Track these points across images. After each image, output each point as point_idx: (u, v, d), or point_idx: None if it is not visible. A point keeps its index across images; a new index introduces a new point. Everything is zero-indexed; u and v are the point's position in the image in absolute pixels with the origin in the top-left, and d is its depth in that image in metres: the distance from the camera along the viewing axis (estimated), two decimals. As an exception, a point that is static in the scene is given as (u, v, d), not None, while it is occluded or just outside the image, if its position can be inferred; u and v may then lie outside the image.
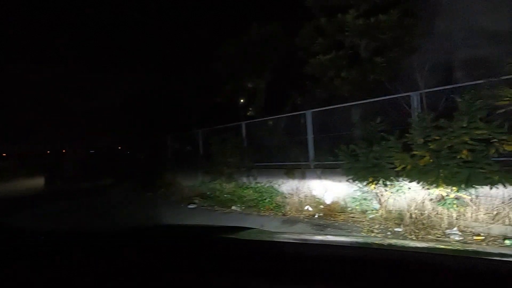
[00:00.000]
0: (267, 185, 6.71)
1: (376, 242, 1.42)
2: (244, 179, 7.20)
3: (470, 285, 0.66)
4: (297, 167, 6.37)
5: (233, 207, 6.48)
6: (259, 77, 9.41)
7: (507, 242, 3.56)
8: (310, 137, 6.23)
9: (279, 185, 6.53)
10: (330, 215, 5.35)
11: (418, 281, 0.70)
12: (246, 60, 9.14)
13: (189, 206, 7.05)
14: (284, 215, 5.74)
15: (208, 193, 7.55)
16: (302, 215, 5.63)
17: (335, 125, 6.10)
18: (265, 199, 6.29)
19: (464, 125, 3.67)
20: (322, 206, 5.67)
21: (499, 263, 0.83)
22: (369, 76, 6.09)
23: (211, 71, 9.85)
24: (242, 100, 10.40)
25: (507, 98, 3.40)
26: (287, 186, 6.41)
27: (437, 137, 3.88)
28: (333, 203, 5.61)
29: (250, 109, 10.38)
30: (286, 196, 6.27)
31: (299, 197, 6.04)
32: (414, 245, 1.29)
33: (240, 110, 10.45)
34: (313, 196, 5.96)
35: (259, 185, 6.86)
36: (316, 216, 5.47)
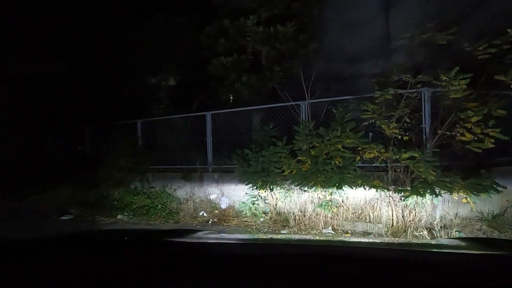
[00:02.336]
0: (162, 190, 6.17)
1: (326, 239, 1.67)
2: (137, 184, 6.45)
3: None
4: (194, 171, 6.05)
5: (119, 216, 5.67)
6: (164, 72, 8.73)
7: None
8: (209, 139, 6.01)
9: (174, 189, 6.08)
10: (224, 220, 5.22)
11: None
12: (150, 52, 8.33)
13: (63, 218, 5.85)
14: (176, 222, 5.33)
15: (91, 201, 6.45)
16: (196, 222, 5.33)
17: (235, 127, 6.07)
18: (157, 206, 5.74)
19: (338, 134, 4.07)
20: (217, 211, 5.51)
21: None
22: (268, 83, 6.30)
23: (114, 62, 8.59)
24: (146, 95, 9.46)
25: (369, 112, 3.90)
26: (183, 191, 6.01)
27: (317, 144, 4.19)
28: (228, 207, 5.52)
29: (154, 106, 9.54)
30: (182, 201, 5.88)
31: (195, 202, 5.72)
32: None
33: (142, 106, 9.48)
34: (210, 201, 5.74)
35: (153, 190, 6.25)
36: (210, 221, 5.26)
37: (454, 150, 3.76)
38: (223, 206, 5.57)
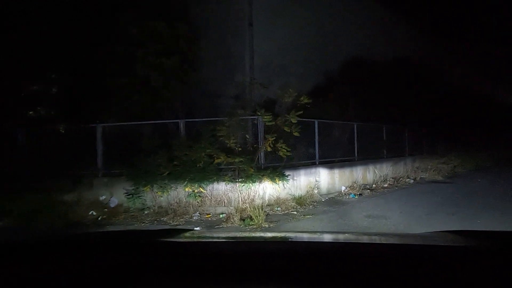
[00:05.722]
0: (50, 194, 6.59)
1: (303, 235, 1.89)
2: (17, 192, 6.61)
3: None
4: (85, 176, 6.77)
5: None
6: (54, 79, 8.75)
7: (221, 216, 5.98)
8: (99, 148, 6.89)
9: (62, 194, 6.62)
10: (114, 216, 6.26)
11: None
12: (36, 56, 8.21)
13: None
14: (67, 222, 6.01)
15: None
16: (85, 220, 6.15)
17: (127, 138, 7.12)
18: (44, 209, 6.20)
19: (202, 146, 5.88)
20: (106, 210, 6.46)
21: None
22: (156, 103, 7.65)
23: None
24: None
25: (222, 132, 5.88)
26: (72, 195, 6.64)
27: (187, 153, 5.89)
28: (117, 206, 6.56)
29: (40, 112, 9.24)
30: (71, 204, 6.51)
31: (85, 204, 6.49)
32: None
33: (26, 112, 9.05)
34: (100, 202, 6.62)
35: (39, 196, 6.58)
36: (99, 218, 6.19)
37: (275, 156, 6.17)
38: (112, 205, 6.56)
